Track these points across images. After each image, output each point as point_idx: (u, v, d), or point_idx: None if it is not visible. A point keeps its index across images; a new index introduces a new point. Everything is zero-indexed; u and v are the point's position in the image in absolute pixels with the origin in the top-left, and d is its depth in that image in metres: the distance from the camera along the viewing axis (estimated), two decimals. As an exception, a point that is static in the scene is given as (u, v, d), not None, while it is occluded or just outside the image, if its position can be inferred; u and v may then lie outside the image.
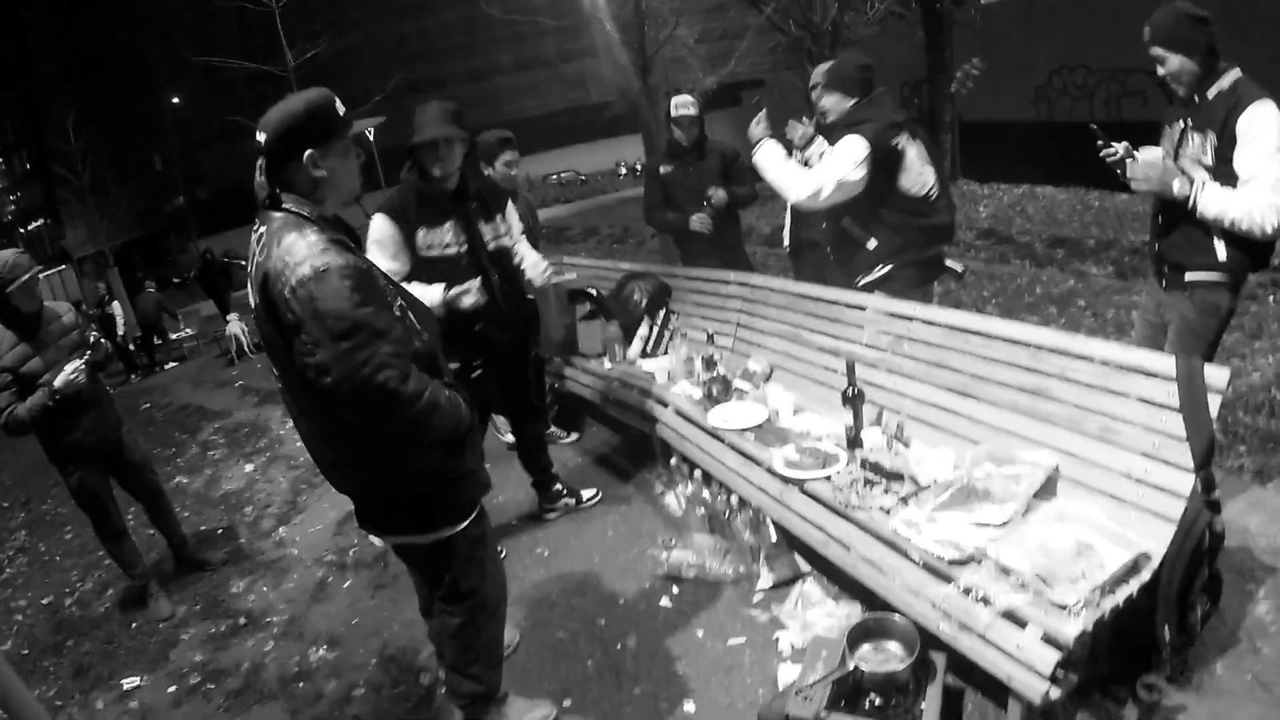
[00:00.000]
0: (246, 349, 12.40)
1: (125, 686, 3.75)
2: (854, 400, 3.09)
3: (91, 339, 4.14)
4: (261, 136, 2.03)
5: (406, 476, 2.22)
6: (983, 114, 13.70)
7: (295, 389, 2.10)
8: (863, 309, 3.56)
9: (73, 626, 4.44)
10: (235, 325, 12.56)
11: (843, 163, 3.38)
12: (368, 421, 2.03)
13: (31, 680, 4.03)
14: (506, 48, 54.68)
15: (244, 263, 4.21)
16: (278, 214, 2.04)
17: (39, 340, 3.94)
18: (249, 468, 6.35)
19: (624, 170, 40.17)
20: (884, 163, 3.40)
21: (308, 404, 2.13)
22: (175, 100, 47.98)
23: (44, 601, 4.96)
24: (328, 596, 4.12)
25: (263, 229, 2.05)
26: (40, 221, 53.27)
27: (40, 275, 4.02)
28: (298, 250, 1.92)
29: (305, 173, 2.05)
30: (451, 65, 53.88)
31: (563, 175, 42.97)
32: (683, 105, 4.69)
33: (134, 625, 4.28)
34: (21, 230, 52.02)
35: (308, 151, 2.03)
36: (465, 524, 2.37)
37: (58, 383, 3.83)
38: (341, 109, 2.10)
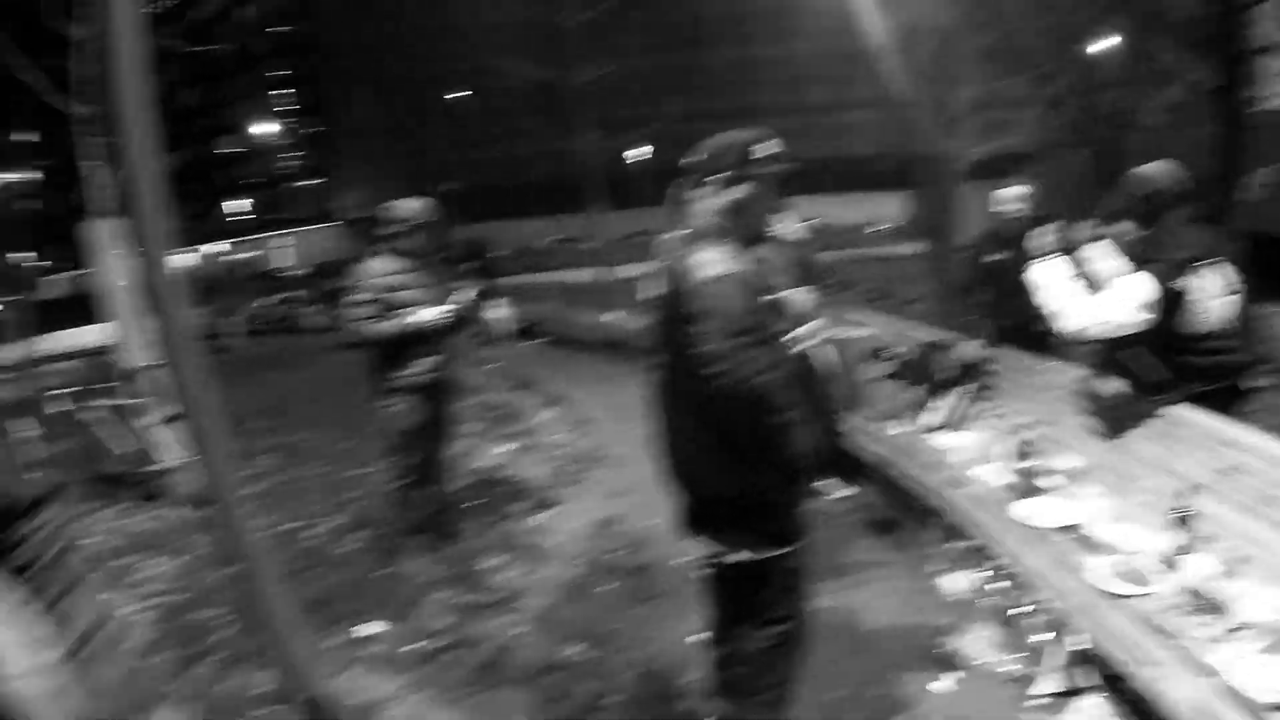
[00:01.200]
0: (508, 334, 12.86)
1: (365, 632, 3.78)
2: (1184, 522, 2.81)
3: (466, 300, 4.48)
4: (704, 156, 2.33)
5: (756, 485, 2.25)
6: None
7: (679, 378, 2.26)
8: (1194, 427, 3.17)
9: (319, 557, 4.57)
10: (502, 309, 13.06)
11: (1123, 305, 3.12)
12: (738, 419, 2.15)
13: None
14: (774, 90, 55.21)
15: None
16: (699, 223, 2.29)
17: (418, 276, 4.34)
18: (504, 448, 6.45)
19: (876, 228, 39.26)
20: (1167, 305, 3.10)
21: (686, 396, 2.26)
22: (456, 95, 51.66)
23: (285, 527, 5.11)
24: (586, 595, 4.02)
25: (677, 233, 2.32)
26: (318, 181, 59.26)
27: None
28: (710, 256, 2.17)
29: (731, 194, 2.29)
30: (720, 100, 55.02)
31: (814, 224, 42.69)
32: (1012, 199, 4.68)
33: (381, 573, 4.34)
34: (291, 186, 58.26)
35: (731, 177, 2.28)
36: (794, 548, 2.35)
37: (418, 316, 4.18)
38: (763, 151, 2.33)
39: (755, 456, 2.21)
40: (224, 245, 53.99)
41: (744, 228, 2.31)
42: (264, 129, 57.18)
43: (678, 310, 2.20)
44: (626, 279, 19.37)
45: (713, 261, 2.16)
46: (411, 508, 4.50)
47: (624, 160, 31.36)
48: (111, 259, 6.60)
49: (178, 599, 4.46)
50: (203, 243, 53.87)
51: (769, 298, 2.27)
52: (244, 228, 57.25)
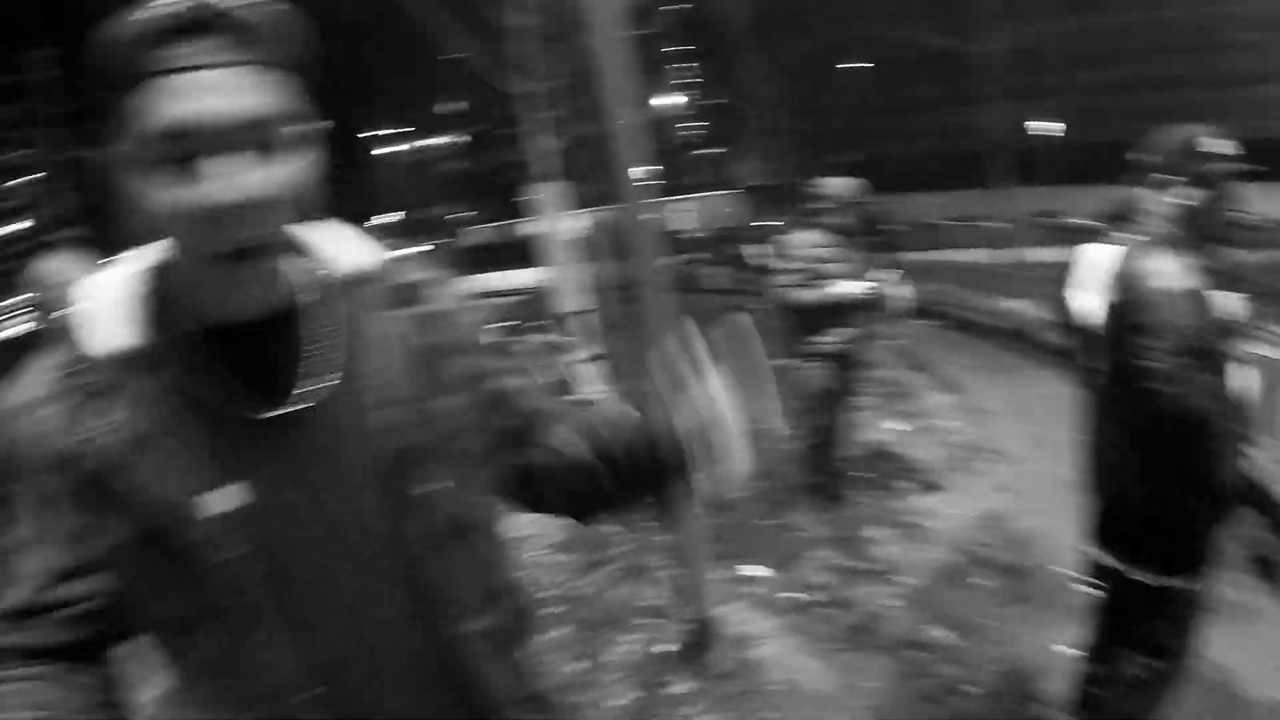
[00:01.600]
0: (906, 312, 12.55)
1: (749, 572, 4.06)
2: None
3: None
4: (1153, 153, 2.21)
5: (1177, 507, 2.12)
6: None
7: (1113, 386, 2.17)
8: None
9: (714, 497, 4.95)
10: (901, 287, 12.80)
11: None
12: (1174, 440, 2.02)
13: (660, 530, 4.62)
14: (1191, 59, 47.11)
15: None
16: (1150, 228, 2.14)
17: (839, 251, 4.55)
18: (897, 427, 6.45)
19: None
20: None
21: (1119, 405, 2.17)
22: (851, 65, 50.64)
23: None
24: (959, 584, 3.99)
25: (1123, 234, 2.17)
26: (720, 149, 61.59)
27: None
28: (1164, 265, 2.03)
29: (1185, 198, 2.15)
30: (1130, 69, 48.20)
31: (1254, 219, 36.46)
32: None
33: (769, 522, 4.64)
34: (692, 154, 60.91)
35: (1185, 179, 2.15)
36: (1198, 580, 2.19)
37: (835, 289, 4.42)
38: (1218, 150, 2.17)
39: (1183, 478, 2.09)
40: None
41: (1198, 235, 2.18)
42: (667, 100, 60.82)
43: (1123, 317, 2.09)
44: (1033, 263, 18.03)
45: (1167, 272, 2.04)
46: (807, 467, 4.76)
47: (1029, 133, 28.76)
48: (550, 215, 7.56)
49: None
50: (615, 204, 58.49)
51: (1219, 314, 2.12)
52: (649, 192, 61.36)
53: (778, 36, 53.01)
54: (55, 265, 2.74)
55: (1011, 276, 13.84)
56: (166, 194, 0.79)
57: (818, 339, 4.55)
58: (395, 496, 0.91)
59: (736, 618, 3.70)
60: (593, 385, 7.25)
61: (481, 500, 1.02)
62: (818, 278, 4.46)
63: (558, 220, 7.52)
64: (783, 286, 4.55)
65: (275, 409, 0.88)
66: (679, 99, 61.80)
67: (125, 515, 0.83)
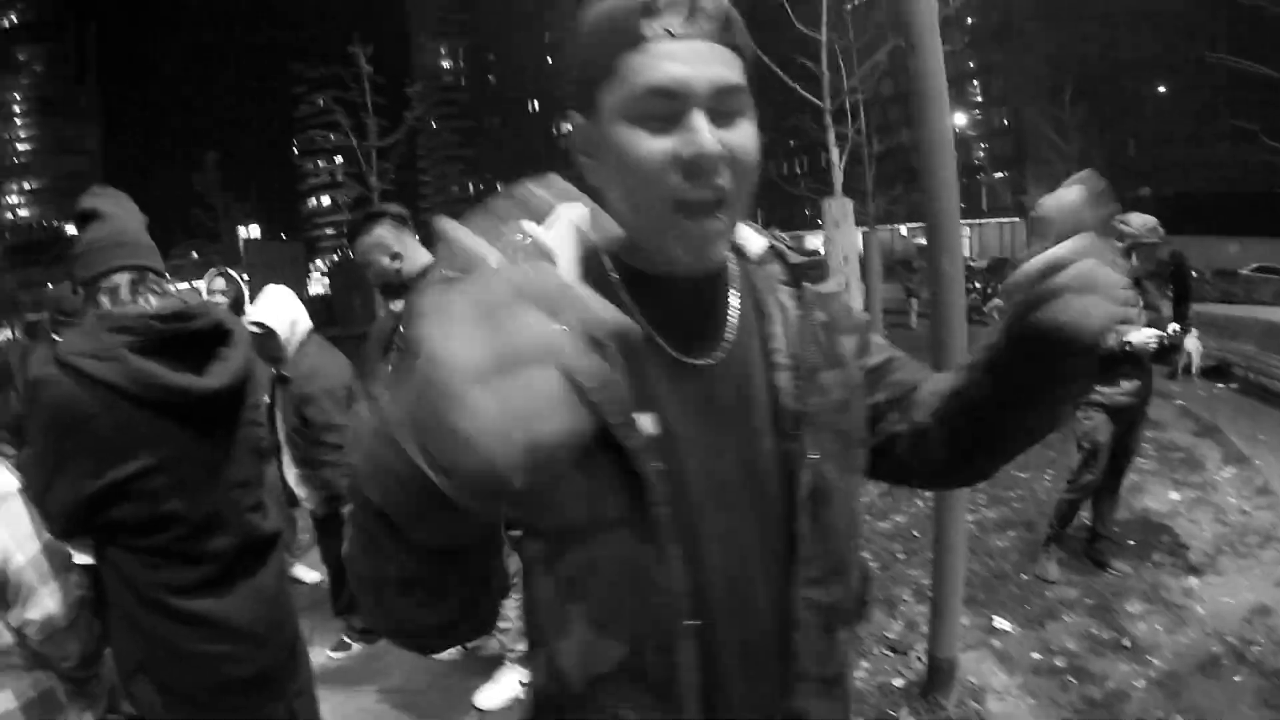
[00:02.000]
0: (1193, 371, 11.71)
1: (994, 624, 4.02)
2: None
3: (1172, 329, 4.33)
4: None
5: None
6: None
7: None
8: None
9: (969, 542, 4.90)
10: (1192, 341, 11.82)
11: None
12: None
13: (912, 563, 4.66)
14: None
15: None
16: None
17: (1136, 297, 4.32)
18: (1174, 496, 6.01)
19: None
20: None
21: None
22: (1161, 89, 46.43)
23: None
24: (1216, 675, 3.70)
25: None
26: (1002, 174, 58.21)
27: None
28: None
29: None
30: None
31: None
32: None
33: (1021, 575, 4.55)
34: (979, 177, 57.88)
35: None
36: None
37: (1134, 337, 4.17)
38: None
39: None
40: (901, 229, 56.80)
41: None
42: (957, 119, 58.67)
43: None
44: None
45: None
46: (1069, 523, 4.63)
47: None
48: (842, 230, 7.66)
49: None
50: (899, 222, 57.38)
51: None
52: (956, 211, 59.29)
53: (1072, 53, 50.03)
54: (378, 233, 3.17)
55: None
56: (652, 143, 0.89)
57: (1100, 388, 4.38)
58: (783, 453, 1.00)
59: (975, 667, 3.70)
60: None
61: (854, 474, 1.07)
62: None
63: (844, 235, 7.62)
64: None
65: (694, 356, 0.99)
66: (961, 118, 59.72)
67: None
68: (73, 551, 1.89)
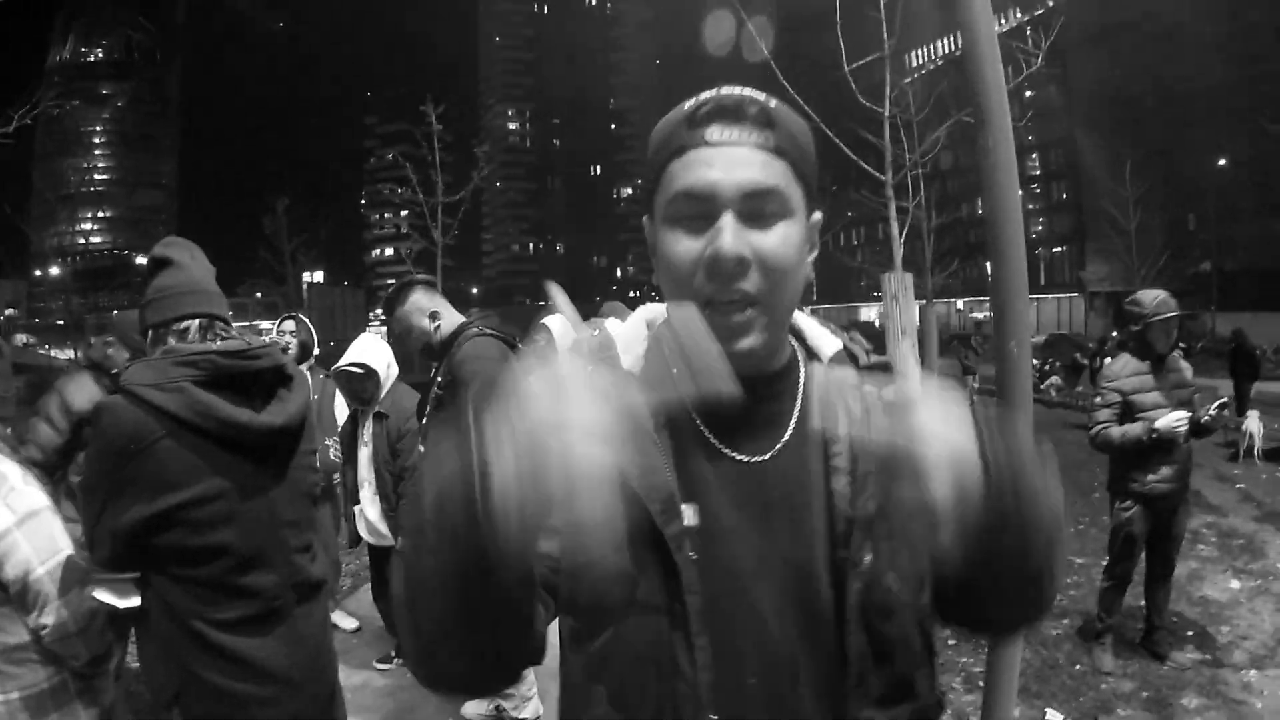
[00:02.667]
0: (1255, 453, 11.32)
1: (1047, 716, 3.85)
2: None
3: (1212, 410, 4.20)
4: None
5: None
6: None
7: None
8: None
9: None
10: (1254, 422, 11.51)
11: None
12: None
13: (962, 649, 4.51)
14: None
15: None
16: None
17: (1161, 379, 4.24)
18: (1235, 585, 5.78)
19: None
20: None
21: None
22: (1221, 163, 45.69)
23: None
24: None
25: None
26: (1061, 248, 57.55)
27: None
28: None
29: None
30: None
31: None
32: None
33: (1075, 665, 4.39)
34: (1037, 252, 57.37)
35: None
36: None
37: (1160, 424, 4.04)
38: None
39: None
40: (958, 303, 56.51)
41: None
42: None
43: None
44: None
45: None
46: (1115, 612, 4.46)
47: None
48: (901, 304, 7.60)
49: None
50: (956, 296, 57.18)
51: None
52: (985, 288, 58.69)
53: (1131, 128, 49.73)
54: (415, 297, 3.44)
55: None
56: (686, 244, 0.95)
57: (1137, 476, 4.25)
58: (836, 560, 0.96)
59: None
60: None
61: (918, 594, 1.00)
62: (1135, 410, 4.19)
63: (903, 309, 7.58)
64: (1099, 423, 4.31)
65: (746, 454, 1.00)
66: (1021, 191, 59.66)
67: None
68: (111, 598, 1.95)
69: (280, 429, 2.07)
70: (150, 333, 2.08)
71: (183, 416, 1.90)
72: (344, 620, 5.16)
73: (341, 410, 4.80)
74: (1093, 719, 3.88)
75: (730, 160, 0.93)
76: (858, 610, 0.94)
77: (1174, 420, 4.03)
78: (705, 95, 0.98)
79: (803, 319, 1.15)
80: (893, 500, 0.97)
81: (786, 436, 1.02)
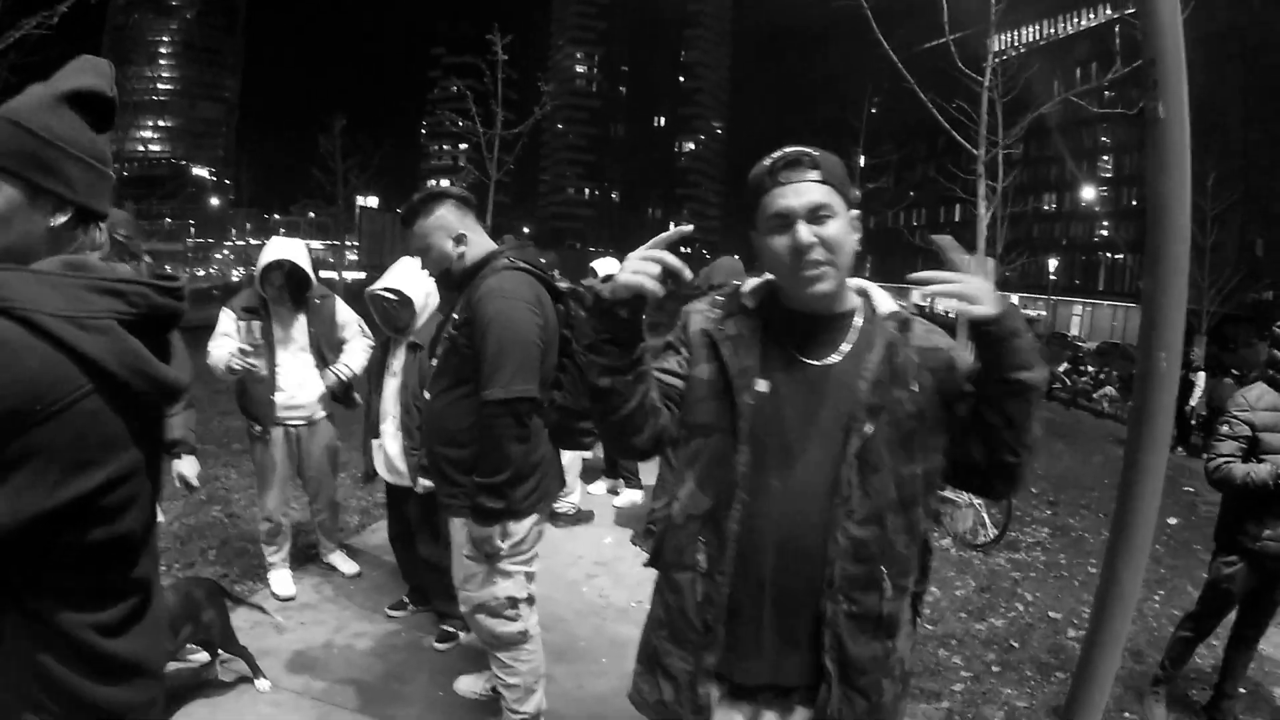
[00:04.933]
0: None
1: None
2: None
3: None
4: None
5: None
6: None
7: None
8: None
9: (1065, 656, 4.37)
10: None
11: None
12: None
13: (1006, 679, 4.20)
14: None
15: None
16: None
17: None
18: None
19: None
20: None
21: None
22: None
23: (1050, 614, 5.02)
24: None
25: None
26: (1121, 255, 56.69)
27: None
28: None
29: None
30: None
31: None
32: None
33: (1125, 712, 4.00)
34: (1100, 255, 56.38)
35: None
36: None
37: None
38: None
39: None
40: (1013, 298, 55.59)
41: None
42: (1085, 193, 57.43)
43: None
44: None
45: None
46: (1182, 665, 4.02)
47: None
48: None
49: (925, 626, 4.71)
50: (1014, 291, 56.14)
51: None
52: (1043, 285, 57.36)
53: (1217, 137, 47.89)
54: (441, 213, 2.95)
55: None
56: (777, 242, 1.64)
57: (1253, 528, 3.65)
58: (849, 428, 1.64)
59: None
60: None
61: (908, 462, 1.67)
62: (1263, 448, 3.57)
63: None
64: (1224, 456, 3.66)
65: (810, 358, 1.71)
66: (1090, 192, 58.04)
67: (717, 368, 1.73)
68: None
69: (185, 388, 1.44)
70: (70, 214, 1.35)
71: (110, 368, 1.26)
72: (343, 563, 4.86)
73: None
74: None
75: (798, 191, 1.62)
76: (854, 458, 1.63)
77: None
78: (776, 154, 1.66)
79: (871, 287, 1.81)
80: (896, 399, 1.65)
81: (840, 354, 1.71)
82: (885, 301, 1.77)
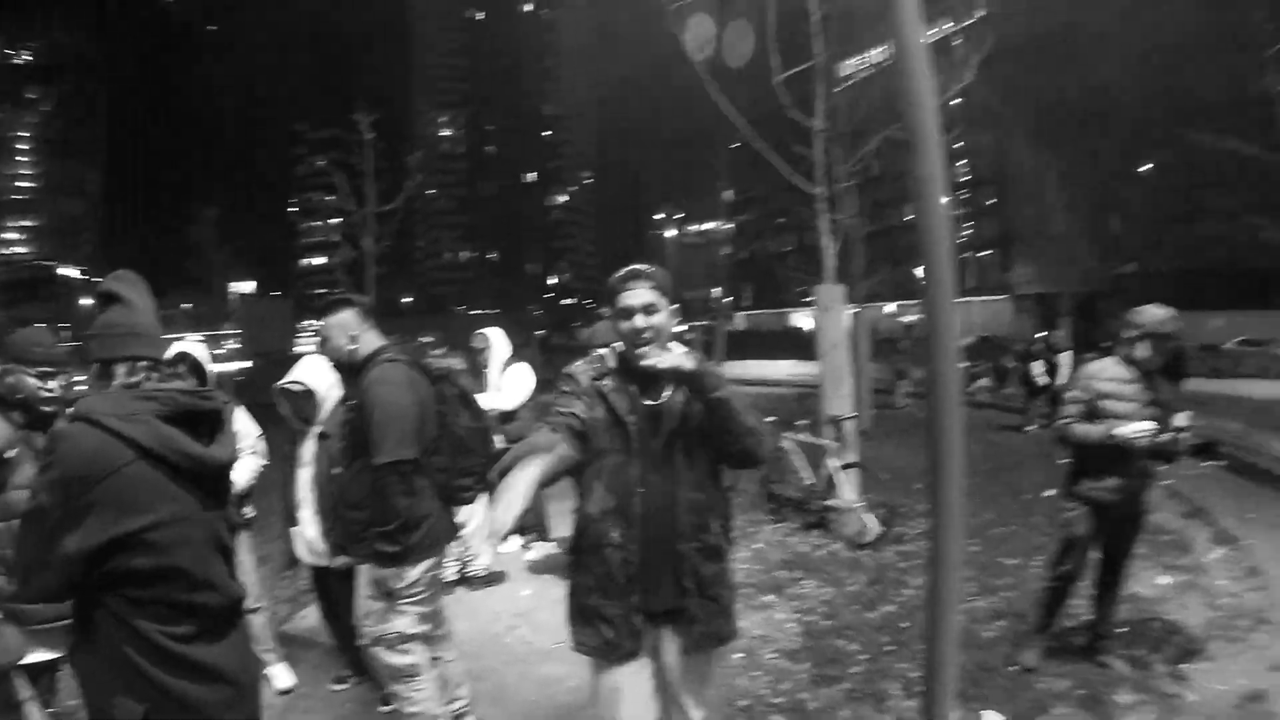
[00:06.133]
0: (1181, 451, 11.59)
1: (984, 716, 3.90)
2: None
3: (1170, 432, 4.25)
4: None
5: None
6: None
7: None
8: None
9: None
10: (1182, 419, 11.83)
11: None
12: None
13: (900, 655, 4.63)
14: None
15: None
16: None
17: (1139, 390, 4.28)
18: (1163, 580, 5.98)
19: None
20: None
21: None
22: (1147, 167, 47.72)
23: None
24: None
25: None
26: (989, 252, 59.49)
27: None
28: None
29: None
30: None
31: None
32: None
33: (1010, 666, 4.45)
34: (965, 256, 58.86)
35: None
36: None
37: (1120, 430, 4.09)
38: None
39: None
40: (892, 306, 57.81)
41: None
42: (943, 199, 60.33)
43: None
44: None
45: None
46: (1053, 614, 4.55)
47: None
48: (832, 316, 7.72)
49: (822, 622, 5.17)
50: (886, 300, 58.43)
51: None
52: (914, 292, 59.78)
53: (1059, 133, 51.33)
54: (344, 316, 3.71)
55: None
56: (623, 325, 2.58)
57: (1093, 482, 4.33)
58: (680, 449, 2.60)
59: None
60: (845, 492, 7.30)
61: (709, 468, 2.66)
62: (1103, 414, 4.22)
63: (833, 321, 7.72)
64: (1066, 418, 4.34)
65: (650, 400, 2.63)
66: (949, 197, 60.81)
67: (606, 410, 2.60)
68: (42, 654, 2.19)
69: (225, 464, 2.29)
70: (97, 366, 2.21)
71: (147, 445, 2.05)
72: (281, 675, 4.63)
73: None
74: (1029, 719, 3.96)
75: (637, 295, 2.55)
76: (682, 454, 2.60)
77: (1134, 429, 4.06)
78: (624, 270, 2.63)
79: (678, 349, 2.56)
80: (695, 416, 2.58)
81: (665, 395, 2.62)
82: (681, 351, 2.60)
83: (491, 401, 6.70)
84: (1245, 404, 15.31)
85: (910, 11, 1.88)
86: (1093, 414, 4.27)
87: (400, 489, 3.43)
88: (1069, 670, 4.42)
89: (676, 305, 2.65)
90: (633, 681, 2.61)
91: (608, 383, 2.63)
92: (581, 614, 2.64)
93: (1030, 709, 4.03)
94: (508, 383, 6.81)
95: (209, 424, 2.26)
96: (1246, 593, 5.67)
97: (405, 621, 3.54)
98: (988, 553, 6.55)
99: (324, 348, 3.76)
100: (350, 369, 3.68)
